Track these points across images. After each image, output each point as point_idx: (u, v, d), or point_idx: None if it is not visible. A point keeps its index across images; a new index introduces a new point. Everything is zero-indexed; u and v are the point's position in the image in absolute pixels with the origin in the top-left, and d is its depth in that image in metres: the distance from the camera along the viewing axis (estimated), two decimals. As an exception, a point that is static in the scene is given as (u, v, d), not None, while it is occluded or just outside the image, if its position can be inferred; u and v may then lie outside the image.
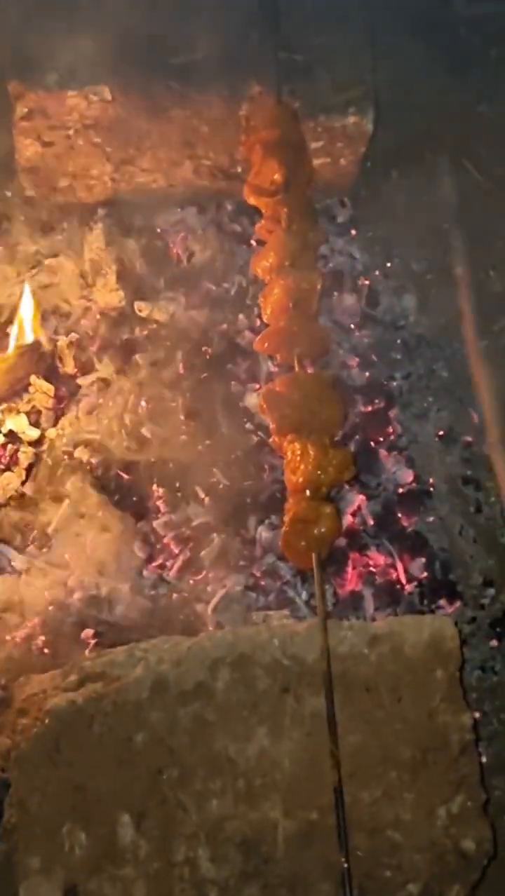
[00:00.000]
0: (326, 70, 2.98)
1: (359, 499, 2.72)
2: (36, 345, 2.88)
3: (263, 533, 2.65)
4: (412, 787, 2.11)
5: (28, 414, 2.81)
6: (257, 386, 2.84)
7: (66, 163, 3.03)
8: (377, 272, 3.14)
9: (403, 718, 2.16)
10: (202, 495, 2.71)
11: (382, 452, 2.82)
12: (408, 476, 2.78)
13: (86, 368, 2.90)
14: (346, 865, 2.00)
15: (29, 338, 2.85)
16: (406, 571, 2.64)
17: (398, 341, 3.03)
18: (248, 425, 2.81)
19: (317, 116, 2.97)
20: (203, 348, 2.93)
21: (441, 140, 3.41)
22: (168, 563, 2.62)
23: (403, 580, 2.63)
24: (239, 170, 3.03)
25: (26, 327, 2.86)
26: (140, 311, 2.97)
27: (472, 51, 3.63)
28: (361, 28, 3.08)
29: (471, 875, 2.10)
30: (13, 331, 2.90)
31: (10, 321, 2.93)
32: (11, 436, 2.77)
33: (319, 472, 2.43)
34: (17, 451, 2.75)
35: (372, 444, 2.82)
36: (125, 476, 2.73)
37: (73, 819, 2.07)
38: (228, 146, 3.02)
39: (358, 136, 3.04)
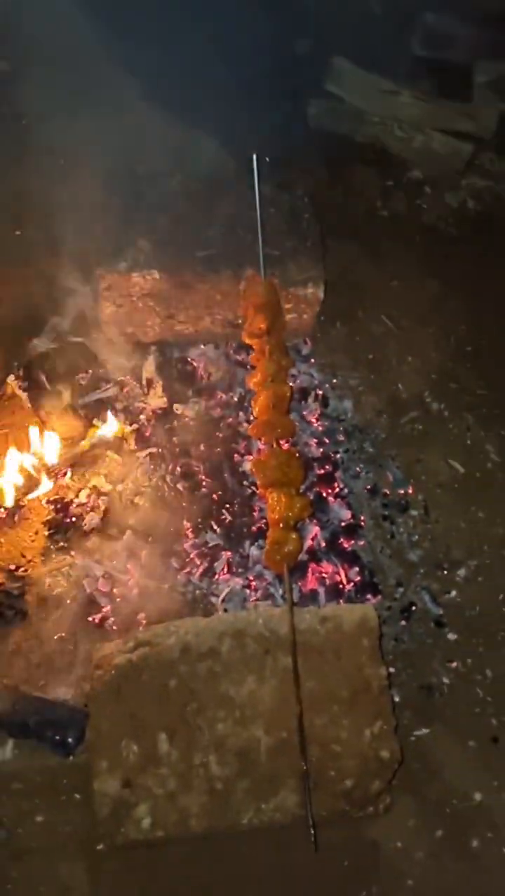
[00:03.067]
0: (292, 260, 3.02)
1: (315, 529, 2.71)
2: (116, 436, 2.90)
3: (254, 551, 2.64)
4: (348, 715, 2.11)
5: (105, 475, 2.81)
6: (250, 457, 2.84)
7: (131, 318, 3.07)
8: (327, 385, 3.15)
9: (342, 671, 2.15)
10: (216, 527, 2.70)
11: (330, 499, 2.81)
12: (347, 514, 2.77)
13: (142, 446, 2.89)
14: (305, 768, 2.00)
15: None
16: (346, 576, 2.63)
17: (340, 429, 3.02)
18: (245, 482, 2.81)
19: (287, 289, 3.00)
20: (217, 433, 2.93)
21: (366, 304, 3.46)
22: (193, 571, 2.60)
23: (344, 582, 2.61)
24: (240, 322, 3.05)
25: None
26: (177, 410, 2.99)
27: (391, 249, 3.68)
28: (316, 234, 3.12)
29: (386, 774, 2.09)
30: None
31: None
32: (94, 489, 2.77)
33: (288, 512, 2.45)
34: (97, 499, 2.75)
35: (323, 493, 2.82)
36: (166, 514, 2.72)
37: (129, 736, 2.06)
38: (233, 307, 3.04)
39: (314, 301, 3.07)
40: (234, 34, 3.76)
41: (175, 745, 2.04)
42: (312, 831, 1.97)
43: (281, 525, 2.44)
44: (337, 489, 2.83)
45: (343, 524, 2.75)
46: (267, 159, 3.18)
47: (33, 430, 2.83)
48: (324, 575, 2.63)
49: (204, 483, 2.80)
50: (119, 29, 3.75)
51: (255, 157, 3.15)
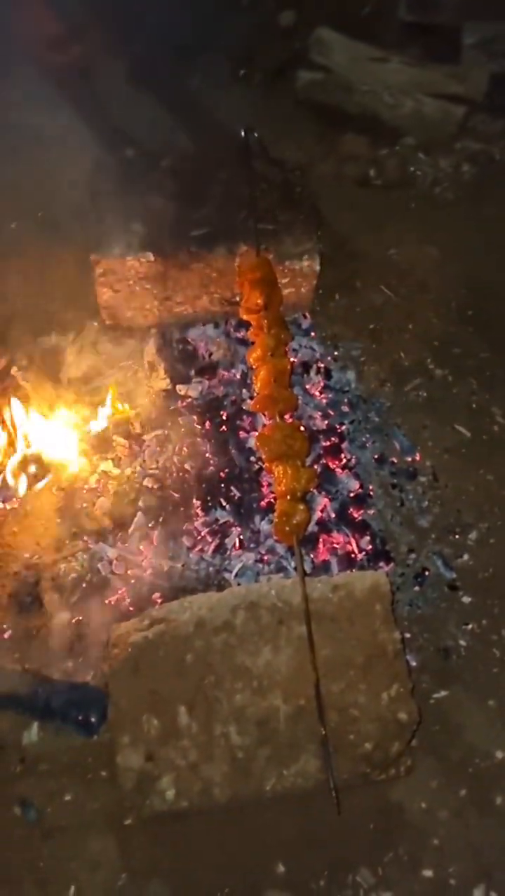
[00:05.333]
0: (287, 234, 3.00)
1: (324, 501, 2.72)
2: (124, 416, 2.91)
3: (264, 525, 2.65)
4: (364, 680, 2.13)
5: (113, 459, 2.82)
6: (256, 433, 2.85)
7: (129, 302, 3.07)
8: (329, 357, 3.14)
9: (356, 637, 2.17)
10: (225, 504, 2.71)
11: (338, 471, 2.81)
12: (356, 485, 2.78)
13: (148, 429, 2.90)
14: (324, 733, 2.03)
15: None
16: (358, 546, 2.64)
17: (345, 400, 3.02)
18: (251, 458, 2.82)
19: (283, 263, 2.99)
20: (221, 412, 2.94)
21: (364, 274, 3.45)
22: (205, 548, 2.62)
23: (356, 551, 2.63)
24: (237, 299, 3.04)
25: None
26: (180, 391, 2.99)
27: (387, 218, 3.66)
28: (309, 207, 3.11)
29: (406, 736, 2.11)
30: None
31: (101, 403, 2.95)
32: (104, 474, 2.79)
33: (294, 483, 2.46)
34: (106, 483, 2.77)
35: (331, 465, 2.82)
36: (175, 494, 2.73)
37: (149, 711, 2.09)
38: (229, 284, 3.04)
39: (310, 274, 3.06)
40: (219, 8, 3.75)
41: (195, 718, 2.07)
42: (335, 794, 1.99)
43: (288, 497, 2.45)
44: (344, 460, 2.83)
45: (352, 494, 2.75)
46: (256, 134, 3.19)
47: (40, 420, 2.86)
48: (335, 545, 2.64)
49: (211, 461, 2.81)
50: (105, 11, 3.74)
51: (245, 132, 3.17)
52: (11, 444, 2.81)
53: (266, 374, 2.67)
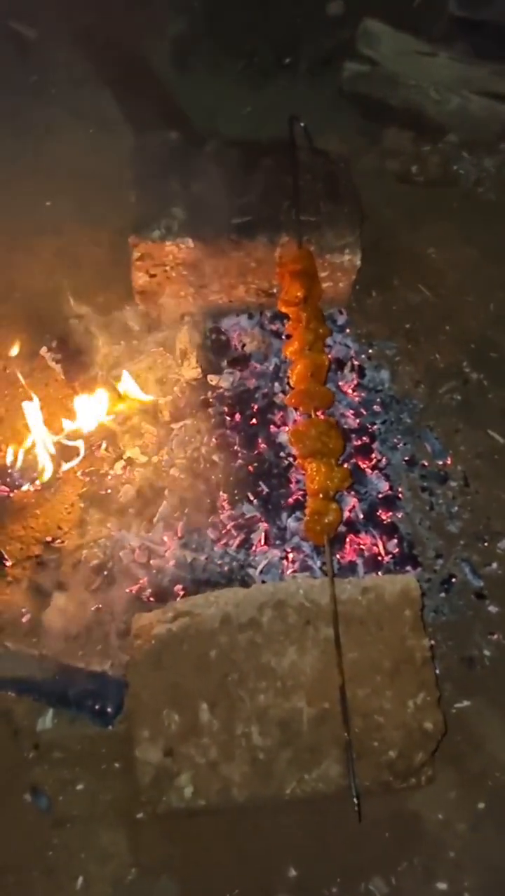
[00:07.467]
0: (329, 227, 2.96)
1: (353, 501, 2.69)
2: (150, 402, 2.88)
3: (291, 523, 2.62)
4: (391, 686, 2.09)
5: (140, 447, 2.79)
6: (287, 428, 2.81)
7: (164, 287, 3.03)
8: (364, 355, 3.10)
9: (384, 641, 2.14)
10: (252, 498, 2.68)
11: (368, 471, 2.78)
12: (385, 486, 2.74)
13: (176, 417, 2.87)
14: (348, 738, 2.00)
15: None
16: (385, 548, 2.60)
17: (378, 400, 2.98)
18: (281, 454, 2.78)
19: (324, 256, 2.95)
20: (252, 404, 2.90)
21: (402, 272, 3.39)
22: (230, 542, 2.59)
23: (383, 553, 2.59)
24: (274, 290, 3.02)
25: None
26: (211, 381, 2.96)
27: (427, 216, 3.61)
28: (353, 201, 3.06)
29: (430, 746, 2.08)
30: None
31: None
32: (130, 461, 2.76)
33: (328, 482, 2.43)
34: (133, 470, 2.74)
35: (361, 465, 2.79)
36: (202, 486, 2.70)
37: (170, 705, 2.06)
38: (268, 275, 3.00)
39: (350, 269, 3.02)
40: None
41: (216, 715, 2.04)
42: (356, 801, 1.96)
43: (321, 495, 2.41)
44: (375, 461, 2.80)
45: (381, 496, 2.72)
46: (302, 124, 3.14)
47: (68, 402, 2.82)
48: (362, 547, 2.60)
49: (240, 454, 2.77)
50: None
51: (290, 121, 3.12)
52: (37, 426, 2.78)
53: (303, 369, 2.64)
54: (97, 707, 2.30)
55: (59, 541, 2.60)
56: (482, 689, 2.40)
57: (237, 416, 2.86)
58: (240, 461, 2.76)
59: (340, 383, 2.99)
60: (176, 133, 3.15)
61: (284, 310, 2.86)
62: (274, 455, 2.77)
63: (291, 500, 2.67)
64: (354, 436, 2.84)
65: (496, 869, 2.16)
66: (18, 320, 3.07)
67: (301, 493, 2.65)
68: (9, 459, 2.73)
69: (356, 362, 3.05)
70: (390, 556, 2.59)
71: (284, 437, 2.80)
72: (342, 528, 2.60)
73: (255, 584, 2.37)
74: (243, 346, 3.06)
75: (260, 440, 2.81)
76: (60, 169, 3.48)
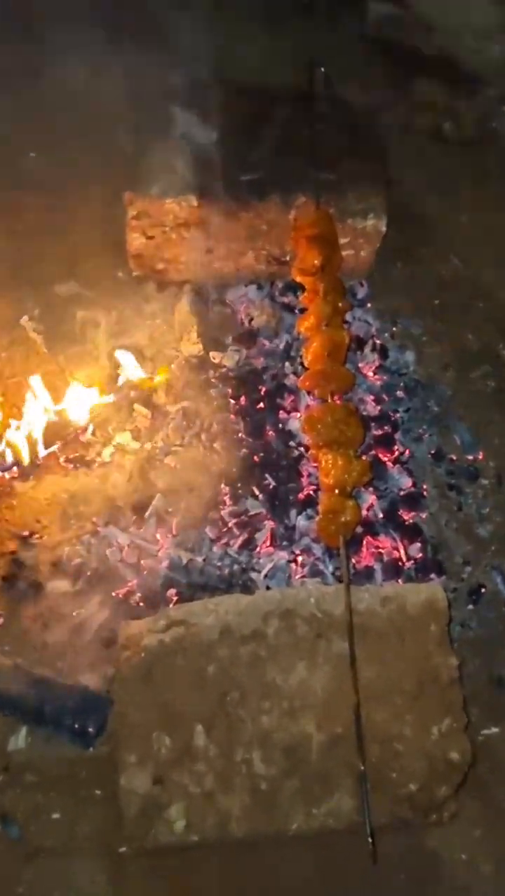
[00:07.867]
0: (352, 186, 2.94)
1: (372, 498, 2.65)
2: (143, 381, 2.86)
3: (301, 521, 2.59)
4: (412, 710, 2.06)
5: (131, 431, 2.77)
6: (298, 414, 2.79)
7: (163, 251, 3.00)
8: (386, 334, 3.08)
9: (406, 658, 2.12)
10: (257, 493, 2.65)
11: (389, 465, 2.75)
12: (408, 482, 2.71)
13: (173, 399, 2.84)
14: (362, 768, 1.97)
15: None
16: (406, 552, 2.57)
17: (401, 384, 2.96)
18: (291, 443, 2.75)
19: (344, 220, 2.92)
20: (259, 387, 2.88)
21: (431, 241, 3.37)
22: (231, 542, 2.55)
23: (404, 559, 2.56)
24: (287, 258, 2.98)
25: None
26: (214, 359, 2.93)
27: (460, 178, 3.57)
28: (378, 158, 3.03)
29: (455, 778, 2.05)
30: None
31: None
32: (120, 447, 2.73)
33: (345, 476, 2.40)
34: (122, 458, 2.70)
35: (381, 458, 2.76)
36: (201, 478, 2.66)
37: (160, 727, 2.03)
38: (280, 240, 2.97)
39: (374, 235, 3.00)
40: None
41: (213, 739, 2.01)
42: (371, 841, 1.92)
43: (337, 491, 2.38)
44: (396, 453, 2.77)
45: (403, 493, 2.69)
46: (322, 69, 3.09)
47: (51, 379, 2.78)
48: (381, 550, 2.57)
49: (244, 442, 2.75)
50: None
51: (310, 67, 3.08)
52: (14, 406, 2.75)
53: (319, 347, 2.61)
54: (77, 726, 2.25)
55: (36, 536, 2.56)
56: (513, 715, 2.37)
57: (242, 400, 2.84)
58: (244, 450, 2.73)
59: (360, 365, 2.96)
60: (178, 78, 3.10)
61: (298, 279, 2.84)
62: (283, 444, 2.75)
63: (301, 495, 2.65)
64: (374, 424, 2.81)
65: (525, 917, 2.13)
66: (-5, 285, 3.03)
67: (313, 488, 2.62)
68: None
69: (378, 341, 3.02)
70: (412, 561, 2.56)
71: (295, 425, 2.77)
72: (358, 530, 2.56)
73: (259, 591, 2.34)
74: (251, 320, 3.03)
75: (268, 427, 2.79)
76: (46, 116, 3.42)
